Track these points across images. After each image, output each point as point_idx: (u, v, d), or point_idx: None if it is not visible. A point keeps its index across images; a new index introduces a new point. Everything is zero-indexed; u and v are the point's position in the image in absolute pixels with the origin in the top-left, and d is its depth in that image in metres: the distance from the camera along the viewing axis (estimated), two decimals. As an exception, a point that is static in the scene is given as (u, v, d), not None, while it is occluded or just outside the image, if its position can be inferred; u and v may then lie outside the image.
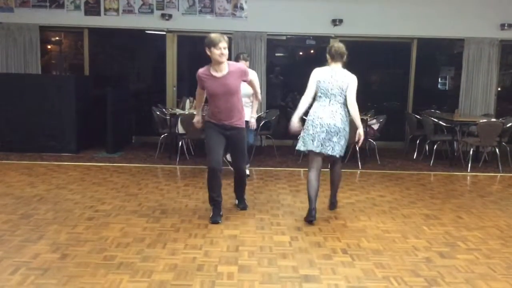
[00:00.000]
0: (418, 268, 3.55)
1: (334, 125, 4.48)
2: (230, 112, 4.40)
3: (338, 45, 4.66)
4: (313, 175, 4.59)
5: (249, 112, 6.10)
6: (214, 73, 4.31)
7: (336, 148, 4.53)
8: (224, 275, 3.33)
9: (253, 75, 6.21)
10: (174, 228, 4.30)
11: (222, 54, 4.19)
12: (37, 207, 4.82)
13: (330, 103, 4.53)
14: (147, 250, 3.75)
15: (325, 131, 4.49)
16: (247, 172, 6.37)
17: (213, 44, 4.18)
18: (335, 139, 4.50)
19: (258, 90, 5.22)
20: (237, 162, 4.68)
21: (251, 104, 6.06)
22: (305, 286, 3.21)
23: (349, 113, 4.60)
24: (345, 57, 4.62)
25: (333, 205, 5.06)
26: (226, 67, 4.32)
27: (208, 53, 4.24)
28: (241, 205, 4.97)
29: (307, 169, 4.68)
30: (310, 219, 4.52)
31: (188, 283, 3.19)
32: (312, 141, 4.54)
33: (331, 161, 4.86)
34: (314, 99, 4.66)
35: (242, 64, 4.64)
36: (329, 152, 4.53)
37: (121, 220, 4.50)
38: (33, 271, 3.31)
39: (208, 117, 4.55)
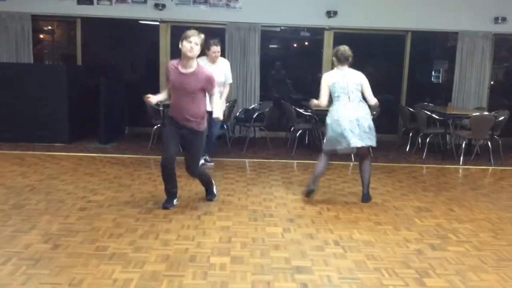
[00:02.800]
0: (409, 260, 3.57)
1: (362, 117, 4.78)
2: (182, 112, 4.29)
3: (344, 49, 4.90)
4: (325, 163, 5.00)
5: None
6: (181, 68, 4.24)
7: (373, 138, 4.84)
8: (216, 266, 3.34)
9: (225, 64, 6.22)
10: (166, 219, 4.30)
11: (191, 48, 4.11)
12: (29, 197, 4.80)
13: (350, 100, 4.82)
14: (139, 241, 3.75)
15: (357, 126, 4.76)
16: (210, 164, 6.43)
17: (185, 36, 4.14)
18: (367, 129, 4.80)
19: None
20: (188, 166, 4.52)
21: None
22: (297, 277, 3.22)
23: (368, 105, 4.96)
24: (350, 59, 4.89)
25: (366, 196, 5.06)
26: (193, 66, 4.25)
27: (180, 47, 4.18)
28: (209, 195, 4.88)
29: (321, 154, 5.06)
30: (309, 196, 5.06)
31: (180, 274, 3.19)
32: (345, 139, 4.78)
33: (361, 155, 5.04)
34: (331, 101, 4.94)
35: (211, 73, 4.37)
36: (369, 143, 4.84)
37: (114, 211, 4.49)
38: (24, 261, 3.30)
39: (169, 111, 4.50)
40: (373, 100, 4.90)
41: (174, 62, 4.35)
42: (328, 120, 4.89)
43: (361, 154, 5.04)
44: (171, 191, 4.60)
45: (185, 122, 4.33)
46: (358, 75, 4.89)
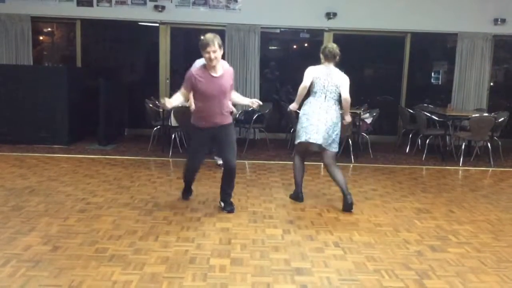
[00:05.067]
0: (409, 261, 3.57)
1: (331, 120, 4.72)
2: (221, 112, 4.36)
3: (332, 46, 4.84)
4: (299, 160, 5.00)
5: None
6: (212, 73, 4.26)
7: (332, 143, 4.80)
8: (216, 268, 3.33)
9: None
10: (166, 220, 4.29)
11: (210, 58, 4.14)
12: (29, 199, 4.79)
13: (326, 99, 4.76)
14: (139, 243, 3.75)
15: (323, 125, 4.70)
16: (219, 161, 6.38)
17: (202, 47, 4.14)
18: (330, 132, 4.74)
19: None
20: (226, 155, 4.49)
21: None
22: (297, 279, 3.22)
23: (340, 109, 4.88)
24: (337, 57, 4.82)
25: (348, 201, 4.77)
26: (220, 68, 4.31)
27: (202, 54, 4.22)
28: (228, 207, 4.64)
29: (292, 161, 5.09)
30: (300, 201, 5.04)
31: (180, 276, 3.19)
32: (306, 133, 4.75)
33: (326, 162, 4.87)
34: (308, 94, 4.87)
35: (231, 69, 4.50)
36: (328, 148, 4.79)
37: (113, 212, 4.48)
38: (24, 263, 3.30)
39: (194, 121, 4.46)
40: (347, 100, 4.74)
41: (198, 70, 4.30)
42: (300, 113, 4.86)
43: (326, 160, 4.85)
44: (190, 188, 5.00)
45: (219, 120, 4.39)
46: (341, 77, 4.78)
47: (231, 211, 4.61)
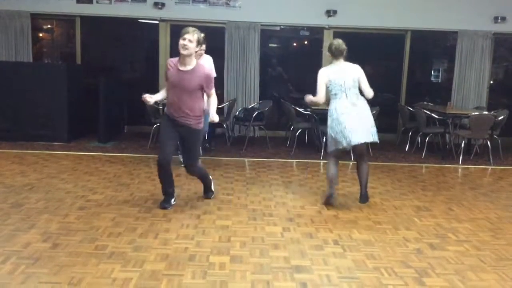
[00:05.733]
0: (408, 259, 3.57)
1: (362, 113, 4.69)
2: (180, 109, 4.30)
3: (338, 42, 4.81)
4: (335, 165, 4.84)
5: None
6: (179, 66, 4.28)
7: (375, 134, 4.72)
8: (216, 265, 3.34)
9: (208, 60, 6.16)
10: (166, 218, 4.30)
11: (184, 45, 4.15)
12: (28, 196, 4.79)
13: (348, 97, 4.72)
14: (139, 240, 3.75)
15: (358, 121, 4.63)
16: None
17: (180, 34, 4.20)
18: (369, 126, 4.69)
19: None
20: (185, 164, 4.62)
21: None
22: (297, 276, 3.22)
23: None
24: (345, 52, 4.79)
25: (364, 197, 4.96)
26: (191, 63, 4.28)
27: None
28: (205, 194, 4.93)
29: (327, 160, 4.97)
30: (330, 203, 4.86)
31: (179, 273, 3.19)
32: (345, 138, 4.62)
33: (359, 154, 4.94)
34: (328, 97, 4.83)
35: (211, 71, 4.48)
36: (371, 139, 4.70)
37: (113, 210, 4.48)
38: (24, 260, 3.30)
39: (166, 109, 4.53)
40: (370, 94, 4.79)
41: (173, 59, 4.38)
42: (329, 120, 4.78)
43: (359, 153, 4.94)
44: (167, 191, 4.60)
45: (183, 119, 4.33)
46: (355, 69, 4.77)
47: (207, 197, 4.88)
